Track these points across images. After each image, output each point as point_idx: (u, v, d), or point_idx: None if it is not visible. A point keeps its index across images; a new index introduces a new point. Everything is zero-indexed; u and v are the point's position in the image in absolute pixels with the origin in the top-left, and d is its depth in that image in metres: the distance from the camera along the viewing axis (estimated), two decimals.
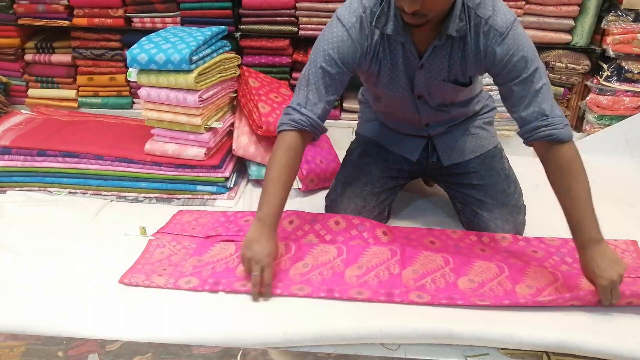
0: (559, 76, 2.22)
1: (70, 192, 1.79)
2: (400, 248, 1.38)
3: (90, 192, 1.78)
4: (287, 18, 2.19)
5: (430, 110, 1.44)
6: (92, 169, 1.77)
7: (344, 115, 2.34)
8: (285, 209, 1.68)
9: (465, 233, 1.53)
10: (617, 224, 1.65)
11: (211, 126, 1.76)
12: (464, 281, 1.28)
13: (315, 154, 1.88)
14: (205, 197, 1.77)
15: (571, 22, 2.17)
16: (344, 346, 1.15)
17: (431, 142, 1.56)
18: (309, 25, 2.21)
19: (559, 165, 1.24)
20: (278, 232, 1.31)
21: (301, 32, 2.22)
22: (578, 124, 2.39)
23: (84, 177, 1.78)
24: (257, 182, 1.90)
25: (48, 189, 1.79)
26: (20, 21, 2.26)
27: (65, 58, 2.31)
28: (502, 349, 1.15)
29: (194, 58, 1.64)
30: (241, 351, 1.07)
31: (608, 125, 2.27)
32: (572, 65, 2.19)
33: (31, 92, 2.37)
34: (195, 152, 1.74)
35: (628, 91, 2.21)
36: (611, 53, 2.15)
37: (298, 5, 2.16)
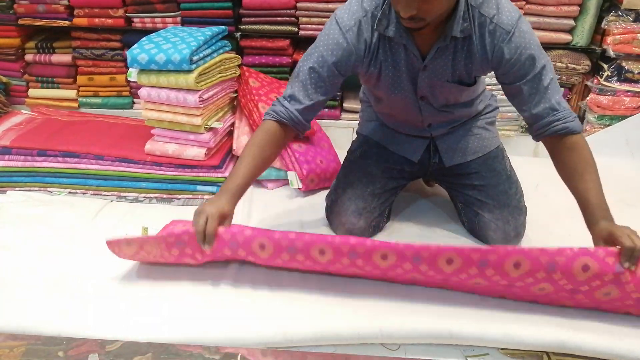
0: (559, 76, 2.22)
1: (70, 192, 1.79)
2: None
3: (91, 192, 1.78)
4: (287, 18, 2.19)
5: (433, 111, 1.44)
6: (93, 169, 1.77)
7: (344, 115, 2.34)
8: (285, 208, 1.70)
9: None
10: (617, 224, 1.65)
11: (211, 126, 1.76)
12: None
13: (315, 154, 1.88)
14: (206, 197, 1.77)
15: (571, 22, 2.17)
16: (344, 346, 1.15)
17: (433, 143, 1.55)
18: (309, 26, 2.21)
19: (571, 153, 1.27)
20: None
21: (301, 32, 2.22)
22: None
23: (84, 177, 1.78)
24: (257, 182, 1.90)
25: (48, 189, 1.79)
26: (20, 21, 2.26)
27: (66, 58, 2.31)
28: (502, 349, 1.15)
29: (195, 58, 1.64)
30: (241, 352, 1.07)
31: (608, 125, 2.27)
32: (573, 65, 2.20)
33: (31, 92, 2.37)
34: (196, 152, 1.74)
35: (628, 91, 2.21)
36: (611, 53, 2.15)
37: (298, 5, 2.16)
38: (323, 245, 1.18)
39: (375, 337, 1.15)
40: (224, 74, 1.83)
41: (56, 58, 2.31)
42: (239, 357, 1.06)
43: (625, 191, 1.95)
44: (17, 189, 1.79)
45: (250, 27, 2.22)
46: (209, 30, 1.80)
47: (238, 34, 2.24)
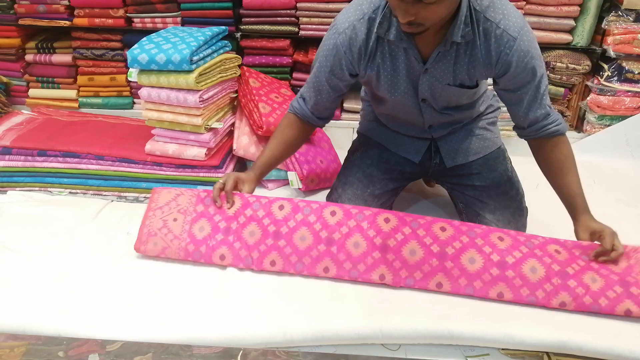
0: (559, 76, 2.22)
1: (70, 192, 1.79)
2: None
3: (91, 192, 1.78)
4: (287, 18, 2.19)
5: (434, 113, 1.43)
6: (93, 169, 1.77)
7: (344, 115, 2.34)
8: None
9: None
10: (617, 225, 1.65)
11: (212, 126, 1.76)
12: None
13: (315, 154, 1.88)
14: None
15: (572, 22, 2.17)
16: (344, 346, 1.15)
17: (434, 144, 1.55)
18: (310, 26, 2.21)
19: (557, 152, 1.35)
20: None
21: (302, 33, 2.23)
22: (578, 124, 2.39)
23: (84, 177, 1.78)
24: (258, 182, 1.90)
25: (49, 189, 1.79)
26: (21, 21, 2.26)
27: (66, 58, 2.31)
28: (502, 349, 1.15)
29: (195, 58, 1.64)
30: (241, 352, 1.07)
31: (608, 125, 2.27)
32: (573, 66, 2.19)
33: (32, 92, 2.37)
34: (196, 153, 1.74)
35: (629, 91, 2.21)
36: (612, 53, 2.15)
37: (298, 5, 2.16)
38: (335, 207, 1.38)
39: (376, 337, 1.14)
40: (224, 74, 1.83)
41: (56, 58, 2.32)
42: (239, 357, 1.06)
43: (625, 191, 1.95)
44: (17, 189, 1.79)
45: (250, 27, 2.22)
46: (209, 31, 1.80)
47: (238, 34, 2.24)
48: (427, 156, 1.56)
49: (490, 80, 1.41)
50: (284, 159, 1.54)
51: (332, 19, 2.13)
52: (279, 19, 2.19)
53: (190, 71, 1.63)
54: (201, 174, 1.76)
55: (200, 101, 1.66)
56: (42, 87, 2.37)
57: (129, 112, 2.34)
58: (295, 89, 2.26)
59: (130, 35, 2.23)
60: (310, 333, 1.13)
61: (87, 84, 2.34)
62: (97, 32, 2.26)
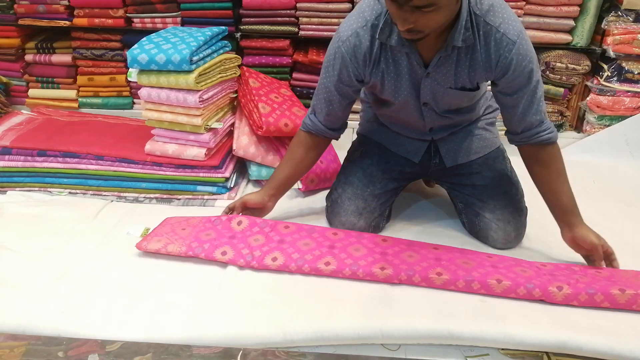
0: (559, 76, 2.22)
1: (70, 193, 1.79)
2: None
3: (91, 192, 1.78)
4: (287, 18, 2.19)
5: (435, 116, 1.44)
6: (93, 169, 1.77)
7: None
8: (285, 209, 1.70)
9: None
10: (616, 224, 1.66)
11: (211, 126, 1.76)
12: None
13: None
14: (206, 197, 1.77)
15: (571, 22, 2.17)
16: (344, 346, 1.15)
17: (434, 144, 1.55)
18: (309, 26, 2.21)
19: (549, 162, 1.37)
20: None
21: (301, 33, 2.23)
22: (578, 124, 2.39)
23: (84, 178, 1.78)
24: (258, 183, 1.90)
25: (48, 189, 1.79)
26: (20, 21, 2.26)
27: (66, 58, 2.31)
28: (502, 349, 1.15)
29: (195, 58, 1.64)
30: (241, 352, 1.07)
31: (608, 125, 2.27)
32: (573, 66, 2.19)
33: (31, 92, 2.37)
34: (196, 153, 1.74)
35: (628, 91, 2.21)
36: (611, 53, 2.15)
37: (298, 5, 2.16)
38: (337, 230, 1.49)
39: (376, 338, 1.15)
40: (224, 74, 1.83)
41: (56, 58, 2.31)
42: (238, 357, 1.06)
43: (625, 191, 1.95)
44: (17, 189, 1.79)
45: (250, 27, 2.22)
46: (209, 31, 1.80)
47: (238, 34, 2.24)
48: (426, 156, 1.56)
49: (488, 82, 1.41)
50: (297, 178, 1.56)
51: (332, 19, 2.16)
52: (278, 19, 2.19)
53: (190, 71, 1.63)
54: (201, 174, 1.76)
55: (200, 101, 1.66)
56: (42, 87, 2.37)
57: (128, 112, 2.34)
58: (295, 89, 2.26)
59: (130, 35, 2.23)
60: (310, 333, 1.13)
61: (87, 84, 2.34)
62: (96, 32, 2.26)
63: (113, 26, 2.24)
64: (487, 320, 1.17)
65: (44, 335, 1.11)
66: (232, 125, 1.94)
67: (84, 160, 1.77)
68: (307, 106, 1.88)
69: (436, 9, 1.06)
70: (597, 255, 1.35)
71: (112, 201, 1.75)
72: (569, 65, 2.19)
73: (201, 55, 1.69)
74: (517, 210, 1.51)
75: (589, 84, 2.26)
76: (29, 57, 2.33)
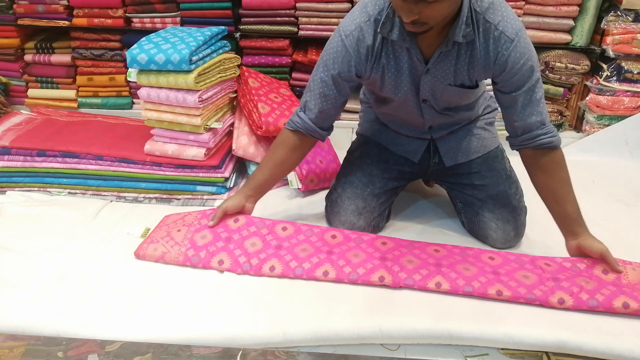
0: (558, 76, 2.22)
1: (70, 193, 1.79)
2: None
3: (90, 192, 1.78)
4: (286, 18, 2.19)
5: (434, 114, 1.44)
6: (92, 169, 1.77)
7: (343, 115, 2.33)
8: (285, 208, 1.70)
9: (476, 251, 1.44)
10: (615, 224, 1.66)
11: (211, 126, 1.76)
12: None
13: (315, 154, 1.88)
14: (205, 197, 1.77)
15: (571, 22, 2.17)
16: (344, 346, 1.15)
17: (433, 143, 1.55)
18: (309, 26, 2.21)
19: (553, 169, 1.33)
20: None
21: (301, 32, 2.22)
22: (577, 124, 2.39)
23: (83, 178, 1.78)
24: None
25: (48, 189, 1.79)
26: (20, 21, 2.26)
27: (65, 58, 2.31)
28: (501, 349, 1.15)
29: (194, 58, 1.64)
30: (241, 352, 1.07)
31: (608, 125, 2.27)
32: (572, 66, 2.20)
33: (31, 92, 2.37)
34: (195, 153, 1.74)
35: (628, 91, 2.21)
36: (611, 53, 2.15)
37: (298, 5, 2.16)
38: (336, 232, 1.46)
39: (375, 338, 1.15)
40: (224, 74, 1.83)
41: (55, 58, 2.31)
42: (238, 357, 1.06)
43: (624, 191, 1.95)
44: (16, 189, 1.79)
45: (249, 27, 2.22)
46: (209, 31, 1.80)
47: (237, 34, 2.24)
48: (426, 156, 1.56)
49: (488, 81, 1.41)
50: (277, 180, 1.52)
51: (331, 19, 2.16)
52: (278, 19, 2.19)
53: (189, 71, 1.63)
54: (200, 174, 1.76)
55: (199, 101, 1.66)
56: (41, 87, 2.36)
57: (128, 112, 2.34)
58: (294, 88, 2.26)
59: (130, 35, 2.23)
60: (310, 333, 1.13)
61: (86, 84, 2.34)
62: (96, 32, 2.26)
63: (112, 26, 2.24)
64: (487, 320, 1.17)
65: (44, 336, 1.11)
66: (232, 125, 1.94)
67: (84, 160, 1.77)
68: None
69: (440, 0, 1.06)
70: (609, 260, 1.29)
71: (111, 201, 1.75)
72: (568, 65, 2.19)
73: (200, 55, 1.69)
74: (516, 210, 1.51)
75: (588, 83, 2.26)
76: (28, 57, 2.33)
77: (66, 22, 2.24)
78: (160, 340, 1.10)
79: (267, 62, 2.26)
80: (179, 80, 1.64)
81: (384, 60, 1.31)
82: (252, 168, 1.88)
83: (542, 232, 1.57)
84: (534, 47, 1.29)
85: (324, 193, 1.69)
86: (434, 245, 1.42)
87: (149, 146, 1.77)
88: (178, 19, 2.22)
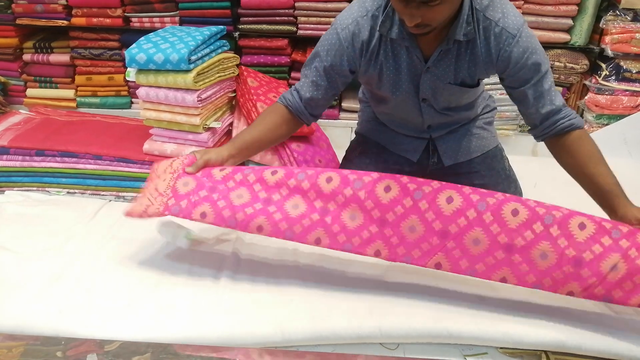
0: (557, 75, 2.23)
1: (68, 192, 1.78)
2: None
3: (89, 192, 1.78)
4: (285, 18, 2.19)
5: (434, 113, 1.43)
6: (91, 168, 1.76)
7: (342, 114, 2.34)
8: None
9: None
10: None
11: (210, 126, 1.76)
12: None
13: (314, 153, 1.87)
14: None
15: (570, 21, 2.17)
16: (343, 345, 1.15)
17: (432, 143, 1.55)
18: (308, 25, 2.21)
19: (577, 147, 1.27)
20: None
21: (300, 32, 2.23)
22: None
23: (82, 177, 1.78)
24: None
25: (46, 189, 1.79)
26: (18, 21, 2.26)
27: (64, 58, 2.31)
28: (501, 348, 1.15)
29: (193, 58, 1.64)
30: (240, 351, 1.07)
31: (606, 124, 2.27)
32: (571, 65, 2.20)
33: (29, 92, 2.37)
34: None
35: (626, 90, 2.21)
36: (610, 52, 2.15)
37: (297, 4, 2.16)
38: (332, 173, 1.25)
39: (374, 337, 1.15)
40: (223, 74, 1.83)
41: (54, 58, 2.31)
42: (237, 357, 1.06)
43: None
44: (15, 189, 1.78)
45: (248, 26, 2.22)
46: (208, 30, 1.80)
47: (236, 34, 2.24)
48: (425, 155, 1.56)
49: (486, 80, 1.41)
50: (261, 147, 1.43)
51: (330, 19, 2.16)
52: (277, 18, 2.19)
53: (188, 71, 1.63)
54: None
55: (198, 101, 1.66)
56: (40, 87, 2.36)
57: (127, 112, 2.34)
58: None
59: (128, 34, 2.23)
60: (309, 332, 1.13)
61: (85, 84, 2.34)
62: (95, 31, 2.26)
63: (111, 26, 2.24)
64: (486, 319, 1.17)
65: (43, 335, 1.11)
66: (231, 124, 1.94)
67: (82, 159, 1.77)
68: None
69: (442, 2, 1.06)
70: None
71: (110, 201, 1.75)
72: (567, 64, 2.20)
73: (199, 55, 1.68)
74: None
75: (587, 83, 2.26)
76: (27, 57, 2.33)
77: (65, 22, 2.24)
78: (159, 340, 1.09)
79: (266, 61, 2.26)
80: (178, 80, 1.64)
81: (382, 58, 1.30)
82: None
83: None
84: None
85: None
86: (448, 191, 1.18)
87: (147, 146, 1.77)
88: (177, 19, 2.22)
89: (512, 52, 1.23)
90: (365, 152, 1.60)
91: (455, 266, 1.16)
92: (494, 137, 1.60)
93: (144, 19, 2.23)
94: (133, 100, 2.39)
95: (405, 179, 1.22)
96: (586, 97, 2.27)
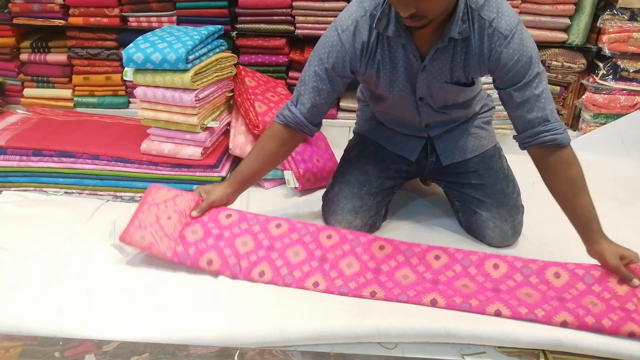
0: (555, 75, 2.23)
1: (66, 192, 1.78)
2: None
3: (87, 192, 1.78)
4: (283, 17, 2.19)
5: (431, 112, 1.43)
6: (88, 168, 1.76)
7: (340, 114, 2.34)
8: (282, 207, 1.70)
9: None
10: (612, 223, 1.65)
11: (208, 125, 1.76)
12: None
13: (312, 153, 1.88)
14: None
15: (567, 20, 2.17)
16: (341, 345, 1.15)
17: (430, 142, 1.55)
18: (306, 24, 2.20)
19: (559, 169, 1.28)
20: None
21: (298, 31, 2.22)
22: (574, 122, 2.39)
23: (80, 177, 1.77)
24: None
25: (44, 189, 1.78)
26: (15, 20, 2.25)
27: (61, 57, 2.30)
28: (498, 347, 1.15)
29: (190, 57, 1.64)
30: (238, 351, 1.07)
31: (604, 123, 2.28)
32: (568, 64, 2.20)
33: (27, 91, 2.36)
34: (192, 152, 1.73)
35: (624, 90, 2.21)
36: (607, 52, 2.15)
37: (294, 4, 2.16)
38: (331, 231, 1.40)
39: (373, 336, 1.15)
40: (220, 73, 1.83)
41: (51, 57, 2.30)
42: (235, 356, 1.06)
43: (620, 189, 1.96)
44: (12, 189, 1.78)
45: (246, 26, 2.22)
46: (205, 30, 1.80)
47: (234, 33, 2.23)
48: (423, 154, 1.56)
49: (484, 79, 1.41)
50: (263, 174, 1.51)
51: (328, 18, 2.16)
52: (274, 17, 2.19)
53: (186, 70, 1.63)
54: (197, 174, 1.76)
55: (196, 100, 1.66)
56: (37, 87, 2.35)
57: (124, 112, 2.33)
58: (291, 87, 2.26)
59: (126, 34, 2.22)
60: (307, 332, 1.13)
61: (83, 84, 2.33)
62: (92, 31, 2.25)
63: (108, 25, 2.23)
64: (484, 319, 1.17)
65: (40, 336, 1.10)
66: (229, 124, 1.94)
67: (80, 159, 1.76)
68: None
69: None
70: (621, 275, 1.21)
71: (108, 201, 1.75)
72: (564, 63, 2.20)
73: (197, 54, 1.68)
74: (513, 209, 1.51)
75: (584, 82, 2.27)
76: (24, 57, 2.32)
77: (62, 21, 2.23)
78: (157, 340, 1.09)
79: (264, 61, 2.26)
80: (176, 79, 1.63)
81: (379, 57, 1.30)
82: None
83: (539, 231, 1.58)
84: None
85: (322, 192, 1.69)
86: (435, 250, 1.35)
87: (145, 145, 1.77)
88: (174, 18, 2.22)
89: (502, 53, 1.22)
90: (364, 152, 1.60)
91: (450, 302, 1.21)
92: (492, 137, 1.60)
93: (142, 19, 2.23)
94: (131, 100, 2.38)
95: (396, 241, 1.38)
96: (584, 96, 2.27)
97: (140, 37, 1.71)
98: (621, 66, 2.18)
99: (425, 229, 1.61)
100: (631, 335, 1.12)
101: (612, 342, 1.11)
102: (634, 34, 2.12)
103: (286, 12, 2.18)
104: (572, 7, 2.13)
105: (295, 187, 1.81)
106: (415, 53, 1.27)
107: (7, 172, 1.78)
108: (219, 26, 1.89)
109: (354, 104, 2.27)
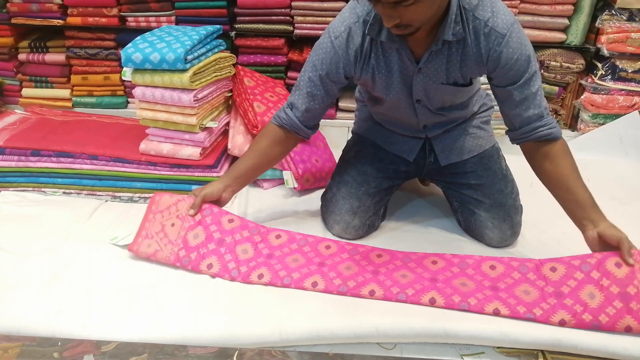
0: (553, 75, 2.23)
1: (64, 192, 1.78)
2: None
3: (85, 192, 1.77)
4: (282, 17, 2.19)
5: (428, 113, 1.43)
6: (87, 169, 1.76)
7: (339, 114, 2.34)
8: (281, 208, 1.70)
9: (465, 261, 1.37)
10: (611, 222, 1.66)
11: (206, 125, 1.75)
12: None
13: (311, 153, 1.88)
14: None
15: (566, 21, 2.17)
16: (340, 345, 1.16)
17: (428, 142, 1.55)
18: (304, 25, 2.20)
19: (559, 157, 1.29)
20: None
21: (296, 32, 2.22)
22: (572, 122, 2.40)
23: (78, 177, 1.77)
24: (253, 182, 1.89)
25: (42, 189, 1.78)
26: (13, 20, 2.25)
27: (59, 57, 2.29)
28: (497, 347, 1.15)
29: (189, 57, 1.64)
30: (237, 351, 1.07)
31: (602, 123, 2.28)
32: (567, 64, 2.20)
33: (25, 91, 2.36)
34: (191, 152, 1.73)
35: (622, 90, 2.22)
36: (605, 52, 2.16)
37: (293, 4, 2.16)
38: (331, 242, 1.44)
39: (371, 336, 1.15)
40: (219, 73, 1.82)
41: (50, 57, 2.30)
42: (234, 357, 1.06)
43: (619, 189, 1.96)
44: (10, 189, 1.78)
45: (245, 26, 2.21)
46: (204, 30, 1.79)
47: (233, 33, 2.23)
48: (421, 155, 1.56)
49: (483, 79, 1.41)
50: (258, 173, 1.51)
51: (327, 18, 2.16)
52: (273, 17, 2.19)
53: (184, 70, 1.63)
54: (196, 174, 1.76)
55: (194, 100, 1.66)
56: (36, 87, 2.35)
57: (123, 112, 2.33)
58: (290, 87, 2.26)
59: (124, 34, 2.22)
60: (306, 332, 1.13)
61: (81, 83, 2.33)
62: (90, 31, 2.25)
63: (107, 25, 2.23)
64: (483, 319, 1.17)
65: (39, 336, 1.10)
66: (227, 124, 1.94)
67: (78, 159, 1.76)
68: None
69: (416, 2, 1.05)
70: (623, 249, 1.19)
71: (106, 201, 1.75)
72: (563, 63, 2.20)
73: (196, 54, 1.68)
74: (512, 209, 1.51)
75: (583, 82, 2.27)
76: (22, 56, 2.31)
77: (60, 21, 2.23)
78: (156, 340, 1.09)
79: (263, 61, 2.26)
80: (174, 79, 1.63)
81: (373, 62, 1.30)
82: None
83: (537, 231, 1.58)
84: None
85: (320, 192, 1.69)
86: (432, 257, 1.38)
87: (144, 145, 1.76)
88: (173, 18, 2.21)
89: (501, 53, 1.23)
90: (362, 152, 1.60)
91: (449, 300, 1.22)
92: (490, 137, 1.60)
93: (140, 19, 2.22)
94: (129, 100, 2.38)
95: (394, 251, 1.41)
96: (582, 97, 2.27)
97: (138, 37, 1.71)
98: (620, 66, 2.18)
99: (424, 229, 1.61)
100: (627, 330, 1.13)
101: (611, 343, 1.11)
102: (633, 34, 2.12)
103: (285, 12, 2.17)
104: (570, 7, 2.13)
105: (294, 188, 1.81)
106: (410, 56, 1.27)
107: (5, 172, 1.78)
108: (218, 26, 1.89)
109: (352, 104, 2.27)
